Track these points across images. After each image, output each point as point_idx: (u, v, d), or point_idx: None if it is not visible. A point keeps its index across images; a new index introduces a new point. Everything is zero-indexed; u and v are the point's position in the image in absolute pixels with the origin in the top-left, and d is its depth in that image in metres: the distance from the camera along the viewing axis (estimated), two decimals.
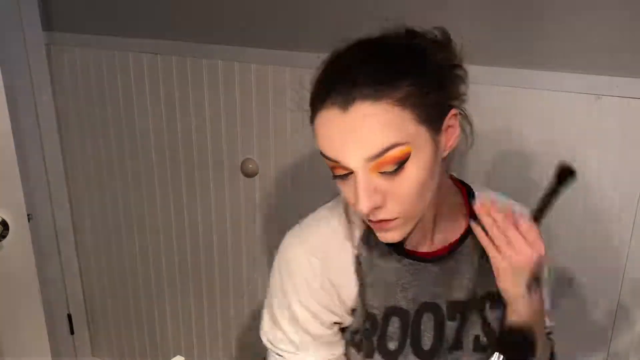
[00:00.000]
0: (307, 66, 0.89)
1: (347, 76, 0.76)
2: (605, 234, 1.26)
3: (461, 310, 0.93)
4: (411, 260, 0.91)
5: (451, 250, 0.93)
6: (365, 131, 0.74)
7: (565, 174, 0.88)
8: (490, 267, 0.88)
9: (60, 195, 2.04)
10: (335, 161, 0.77)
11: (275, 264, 0.94)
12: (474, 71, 1.29)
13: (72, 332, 2.21)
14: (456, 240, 0.93)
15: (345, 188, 0.81)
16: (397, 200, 0.79)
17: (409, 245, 0.92)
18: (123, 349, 2.20)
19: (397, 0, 1.31)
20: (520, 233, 0.82)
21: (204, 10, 1.59)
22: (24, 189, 1.37)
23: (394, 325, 0.92)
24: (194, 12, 1.60)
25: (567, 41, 1.19)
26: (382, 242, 0.87)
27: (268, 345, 0.96)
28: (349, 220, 0.92)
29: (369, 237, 0.90)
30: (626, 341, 1.30)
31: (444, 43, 0.87)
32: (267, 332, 0.96)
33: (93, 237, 2.09)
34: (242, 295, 1.82)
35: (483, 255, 0.89)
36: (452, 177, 0.98)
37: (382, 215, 0.79)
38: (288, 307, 0.92)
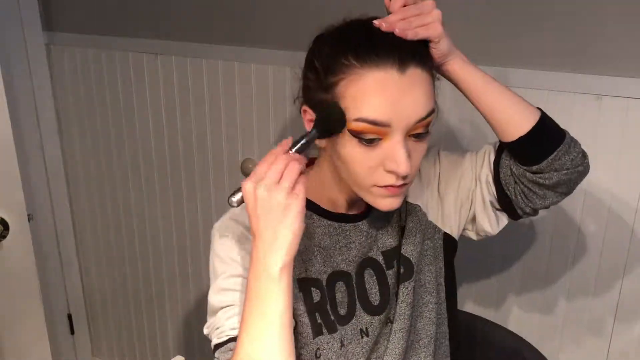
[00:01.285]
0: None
1: (391, 41, 0.79)
2: (605, 234, 1.26)
3: (395, 255, 0.96)
4: (342, 223, 0.94)
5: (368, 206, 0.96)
6: (420, 93, 0.79)
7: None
8: (418, 220, 0.97)
9: (60, 195, 2.04)
10: (382, 124, 0.78)
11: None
12: None
13: (72, 332, 2.21)
14: None
15: (365, 156, 0.81)
16: (415, 163, 0.83)
17: (338, 209, 0.94)
18: (123, 349, 2.20)
19: None
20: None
21: (204, 10, 1.59)
22: (24, 189, 1.37)
23: (341, 290, 0.94)
24: (194, 12, 1.60)
25: (567, 41, 1.19)
26: (311, 211, 0.90)
27: (214, 337, 0.90)
28: None
29: None
30: (626, 341, 1.30)
31: None
32: (208, 326, 0.92)
33: (93, 237, 2.09)
34: None
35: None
36: None
37: (406, 180, 0.82)
38: (218, 289, 0.91)
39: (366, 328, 0.94)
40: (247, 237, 0.89)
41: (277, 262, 0.76)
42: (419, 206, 1.00)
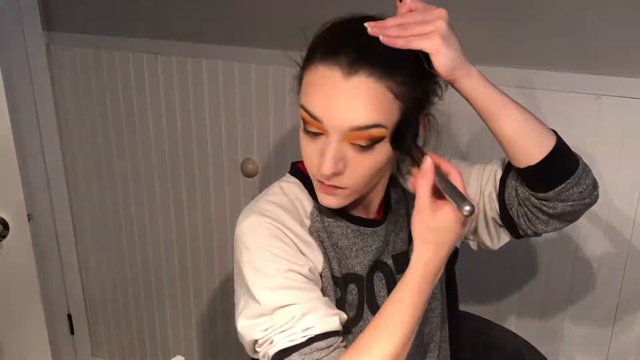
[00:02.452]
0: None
1: (358, 45, 0.77)
2: (605, 234, 1.26)
3: (404, 261, 0.94)
4: (360, 227, 0.94)
5: (386, 210, 0.97)
6: (359, 103, 0.77)
7: None
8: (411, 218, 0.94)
9: (60, 195, 2.04)
10: (316, 119, 0.79)
11: (237, 247, 0.88)
12: None
13: (72, 332, 2.21)
14: (382, 201, 0.97)
15: (309, 146, 0.83)
16: (355, 173, 0.82)
17: (356, 212, 0.94)
18: (123, 349, 2.20)
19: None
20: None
21: (204, 10, 1.59)
22: (24, 189, 1.37)
23: (352, 293, 0.93)
24: (194, 12, 1.60)
25: (568, 41, 1.19)
26: (331, 210, 0.90)
27: (283, 339, 0.80)
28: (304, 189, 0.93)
29: (320, 207, 0.91)
30: (626, 341, 1.30)
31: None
32: (254, 323, 0.82)
33: (93, 237, 2.09)
34: None
35: (404, 207, 0.96)
36: None
37: (336, 182, 0.82)
38: (265, 276, 0.83)
39: None
40: (283, 233, 0.87)
41: (440, 271, 0.79)
42: None
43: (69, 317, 2.19)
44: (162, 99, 1.74)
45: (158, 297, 2.02)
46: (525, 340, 1.23)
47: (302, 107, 0.81)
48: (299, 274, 0.84)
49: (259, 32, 1.53)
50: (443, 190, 0.74)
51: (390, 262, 0.97)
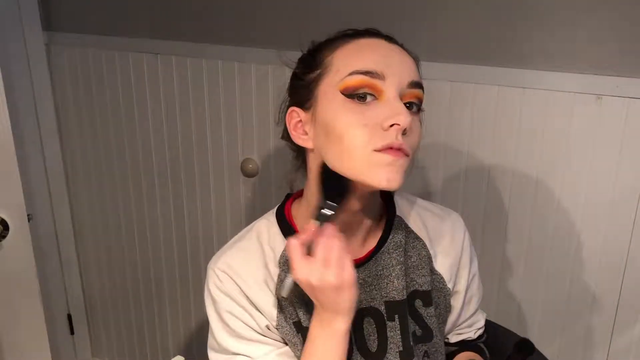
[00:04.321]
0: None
1: (380, 32, 0.85)
2: (606, 234, 1.26)
3: (398, 311, 0.92)
4: None
5: (373, 254, 0.92)
6: (409, 62, 0.83)
7: (524, 349, 0.97)
8: (417, 263, 0.94)
9: (60, 195, 2.04)
10: (377, 75, 0.79)
11: (206, 282, 0.93)
12: (474, 71, 1.30)
13: (72, 332, 2.21)
14: (377, 242, 0.93)
15: (357, 117, 0.78)
16: (413, 137, 0.81)
17: None
18: (123, 349, 2.20)
19: (396, 0, 1.31)
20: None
21: (204, 10, 1.59)
22: (24, 189, 1.37)
23: None
24: (194, 12, 1.60)
25: (568, 41, 1.20)
26: None
27: None
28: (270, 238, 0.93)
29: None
30: (626, 341, 1.30)
31: None
32: (219, 357, 0.91)
33: (93, 237, 2.09)
34: None
35: (407, 251, 0.94)
36: None
37: (405, 141, 0.78)
38: (235, 330, 0.89)
39: None
40: (241, 291, 0.90)
41: (341, 325, 0.82)
42: (442, 277, 0.98)
43: (69, 317, 2.19)
44: (162, 99, 1.74)
45: (158, 297, 2.02)
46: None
47: (355, 72, 0.79)
48: (253, 330, 0.89)
49: (259, 32, 1.53)
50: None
51: (382, 308, 0.92)
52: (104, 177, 1.97)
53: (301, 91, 0.86)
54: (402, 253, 0.93)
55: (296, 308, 0.89)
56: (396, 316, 0.92)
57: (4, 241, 1.35)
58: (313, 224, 0.80)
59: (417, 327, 0.94)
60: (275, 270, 0.90)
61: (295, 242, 0.79)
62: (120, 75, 1.80)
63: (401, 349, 0.92)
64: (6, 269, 1.39)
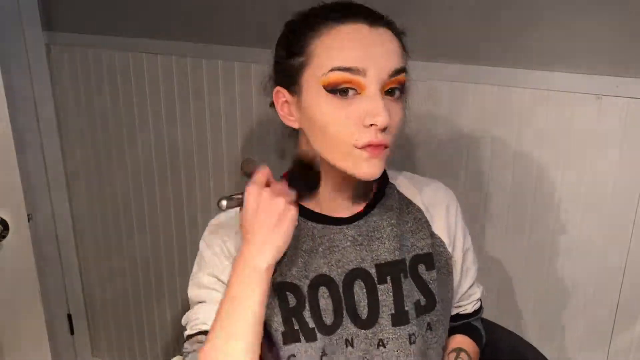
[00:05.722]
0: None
1: (363, 7, 0.84)
2: (605, 234, 1.26)
3: (390, 272, 0.93)
4: (326, 225, 0.93)
5: (363, 214, 0.94)
6: (391, 48, 0.82)
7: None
8: (414, 227, 0.95)
9: (60, 195, 2.04)
10: (357, 72, 0.79)
11: None
12: (474, 71, 1.30)
13: (72, 332, 2.21)
14: (368, 202, 0.95)
15: (340, 112, 0.81)
16: (393, 127, 0.83)
17: (322, 211, 0.93)
18: (123, 349, 2.20)
19: None
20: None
21: (204, 10, 1.59)
22: (24, 189, 1.37)
23: (324, 296, 0.91)
24: (194, 12, 1.60)
25: (568, 41, 1.19)
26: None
27: (187, 328, 0.92)
28: None
29: None
30: (626, 341, 1.30)
31: None
32: (185, 317, 0.94)
33: (93, 237, 2.09)
34: None
35: (402, 216, 0.95)
36: None
37: (385, 137, 0.82)
38: (198, 284, 0.93)
39: (351, 338, 0.90)
40: (223, 245, 0.94)
41: (264, 260, 0.82)
42: (442, 240, 0.99)
43: (69, 317, 2.19)
44: (162, 99, 1.74)
45: (158, 297, 2.02)
46: (525, 340, 1.23)
47: (336, 68, 0.80)
48: (218, 279, 0.92)
49: (259, 32, 1.53)
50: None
51: (373, 270, 0.92)
52: (104, 177, 1.97)
53: (286, 75, 0.88)
54: (394, 216, 0.95)
55: (286, 264, 0.91)
56: (388, 278, 0.92)
57: (4, 241, 1.35)
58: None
59: (421, 295, 0.94)
60: None
61: (267, 170, 0.87)
62: (120, 75, 1.80)
63: (393, 312, 0.91)
64: (6, 269, 1.39)
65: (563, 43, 1.20)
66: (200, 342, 0.88)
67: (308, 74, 0.83)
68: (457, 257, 1.01)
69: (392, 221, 0.94)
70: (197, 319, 0.91)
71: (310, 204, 0.94)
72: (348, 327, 0.91)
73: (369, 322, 0.91)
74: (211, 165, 1.73)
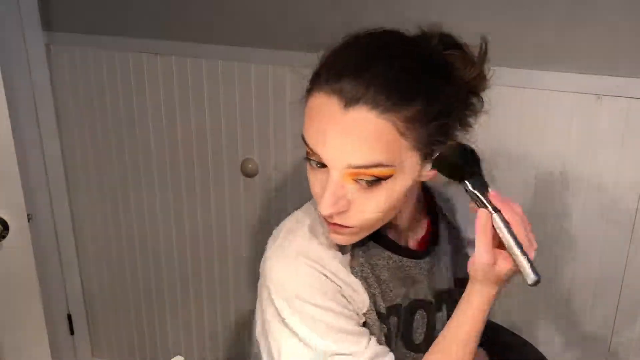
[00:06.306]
0: (307, 66, 0.90)
1: (363, 71, 0.69)
2: (605, 234, 1.26)
3: (446, 299, 0.95)
4: (403, 257, 0.89)
5: (429, 245, 0.94)
6: (358, 139, 0.69)
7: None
8: (459, 255, 0.95)
9: (60, 195, 2.04)
10: (314, 152, 0.73)
11: (266, 293, 0.81)
12: None
13: (72, 332, 2.21)
14: (426, 235, 0.94)
15: (313, 177, 0.77)
16: (361, 212, 0.75)
17: (401, 240, 0.91)
18: (123, 349, 2.20)
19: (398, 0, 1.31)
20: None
21: (204, 10, 1.59)
22: (24, 189, 1.37)
23: (392, 324, 0.90)
24: (194, 12, 1.60)
25: (567, 41, 1.19)
26: (373, 241, 0.86)
27: None
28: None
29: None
30: (626, 341, 1.30)
31: (474, 61, 0.83)
32: None
33: (93, 237, 2.09)
34: (243, 255, 1.82)
35: (452, 245, 0.95)
36: None
37: (340, 220, 0.76)
38: (312, 319, 0.78)
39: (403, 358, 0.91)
40: (327, 279, 0.81)
41: (492, 291, 0.81)
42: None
43: (69, 317, 2.18)
44: (162, 99, 1.74)
45: (158, 297, 2.02)
46: (526, 340, 1.23)
47: (303, 138, 0.75)
48: (348, 320, 0.81)
49: (259, 32, 1.53)
50: (506, 247, 0.76)
51: (432, 299, 0.93)
52: (104, 177, 1.97)
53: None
54: (446, 241, 0.96)
55: (376, 295, 0.86)
56: (444, 306, 0.94)
57: (4, 241, 1.35)
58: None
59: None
60: (348, 258, 0.84)
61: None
62: (120, 75, 1.79)
63: None
64: (6, 269, 1.39)
65: (563, 43, 1.20)
66: None
67: None
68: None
69: (449, 250, 0.96)
70: None
71: (391, 233, 0.89)
72: (399, 349, 0.91)
73: (422, 347, 0.92)
74: (211, 165, 1.73)
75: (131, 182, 1.92)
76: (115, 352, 2.23)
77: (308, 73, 0.76)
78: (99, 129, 1.91)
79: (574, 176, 1.26)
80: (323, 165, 0.74)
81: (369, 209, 0.75)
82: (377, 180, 0.72)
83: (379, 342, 0.85)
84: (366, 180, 0.72)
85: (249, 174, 1.66)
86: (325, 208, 0.73)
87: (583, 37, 1.18)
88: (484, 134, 1.32)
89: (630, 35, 1.14)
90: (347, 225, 0.76)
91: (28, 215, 1.40)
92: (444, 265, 0.95)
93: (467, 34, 1.10)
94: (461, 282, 0.94)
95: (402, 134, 0.70)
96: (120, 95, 1.82)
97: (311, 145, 0.73)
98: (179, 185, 1.82)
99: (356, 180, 0.73)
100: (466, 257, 0.89)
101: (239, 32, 1.55)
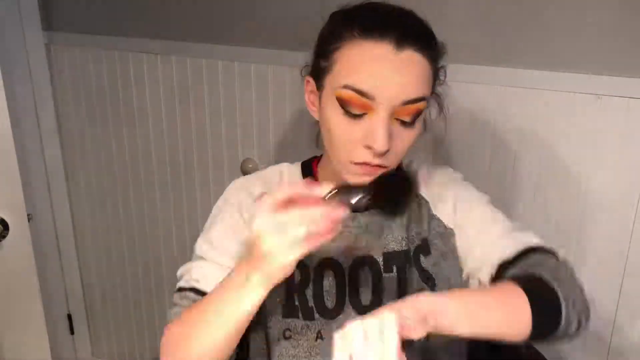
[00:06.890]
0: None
1: (400, 18, 0.82)
2: (605, 234, 1.26)
3: (397, 262, 0.93)
4: None
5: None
6: (411, 76, 0.80)
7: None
8: (420, 214, 0.95)
9: (60, 195, 2.04)
10: (367, 96, 0.79)
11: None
12: (474, 71, 1.30)
13: (72, 332, 2.21)
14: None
15: (348, 130, 0.82)
16: (397, 150, 0.83)
17: None
18: (123, 349, 2.20)
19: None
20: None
21: (204, 10, 1.59)
22: (24, 189, 1.37)
23: (329, 279, 0.92)
24: (194, 12, 1.60)
25: (567, 41, 1.19)
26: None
27: (182, 280, 0.97)
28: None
29: None
30: (626, 341, 1.30)
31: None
32: (184, 266, 0.97)
33: (93, 237, 2.09)
34: None
35: (412, 205, 0.96)
36: None
37: (381, 161, 0.82)
38: (207, 239, 0.96)
39: None
40: (247, 210, 0.95)
41: (261, 283, 0.75)
42: (441, 221, 0.96)
43: (69, 317, 2.19)
44: (162, 99, 1.74)
45: (158, 297, 2.02)
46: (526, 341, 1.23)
47: (348, 87, 0.80)
48: (226, 235, 0.94)
49: (259, 32, 1.53)
50: None
51: (380, 259, 0.93)
52: (104, 177, 1.97)
53: (314, 69, 0.89)
54: (409, 204, 0.97)
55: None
56: (394, 267, 0.93)
57: (4, 241, 1.35)
58: (321, 188, 0.73)
59: (423, 284, 0.92)
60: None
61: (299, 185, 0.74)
62: (121, 75, 1.79)
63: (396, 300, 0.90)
64: (6, 269, 1.39)
65: (563, 43, 1.20)
66: (189, 298, 0.92)
67: (328, 79, 0.85)
68: (461, 220, 0.95)
69: (405, 213, 0.96)
70: (192, 275, 0.93)
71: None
72: (350, 314, 0.91)
73: (372, 309, 0.90)
74: (211, 165, 1.73)
75: (131, 182, 1.92)
76: (115, 352, 2.23)
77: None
78: (99, 129, 1.91)
79: (573, 176, 1.26)
80: (362, 114, 0.81)
81: (403, 147, 0.84)
82: (414, 120, 0.83)
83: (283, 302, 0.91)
84: (406, 121, 0.82)
85: (248, 174, 1.66)
86: (384, 145, 0.79)
87: (583, 37, 1.18)
88: (483, 134, 1.32)
89: (630, 35, 1.14)
90: (387, 164, 0.84)
91: (28, 215, 1.40)
92: (396, 226, 0.94)
93: (467, 33, 1.10)
94: (418, 249, 0.94)
95: (432, 68, 0.84)
96: (120, 96, 1.82)
97: (367, 90, 0.79)
98: (179, 185, 1.82)
99: (398, 120, 0.82)
100: (425, 218, 0.95)
101: (239, 32, 1.55)
